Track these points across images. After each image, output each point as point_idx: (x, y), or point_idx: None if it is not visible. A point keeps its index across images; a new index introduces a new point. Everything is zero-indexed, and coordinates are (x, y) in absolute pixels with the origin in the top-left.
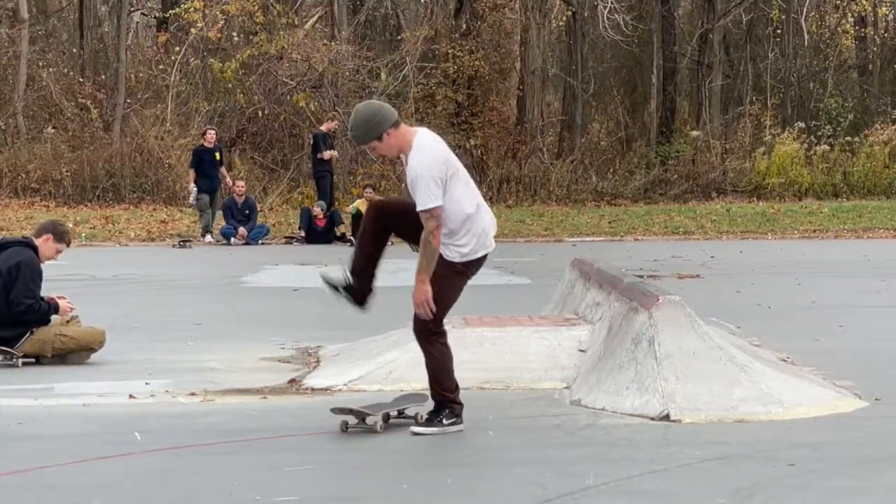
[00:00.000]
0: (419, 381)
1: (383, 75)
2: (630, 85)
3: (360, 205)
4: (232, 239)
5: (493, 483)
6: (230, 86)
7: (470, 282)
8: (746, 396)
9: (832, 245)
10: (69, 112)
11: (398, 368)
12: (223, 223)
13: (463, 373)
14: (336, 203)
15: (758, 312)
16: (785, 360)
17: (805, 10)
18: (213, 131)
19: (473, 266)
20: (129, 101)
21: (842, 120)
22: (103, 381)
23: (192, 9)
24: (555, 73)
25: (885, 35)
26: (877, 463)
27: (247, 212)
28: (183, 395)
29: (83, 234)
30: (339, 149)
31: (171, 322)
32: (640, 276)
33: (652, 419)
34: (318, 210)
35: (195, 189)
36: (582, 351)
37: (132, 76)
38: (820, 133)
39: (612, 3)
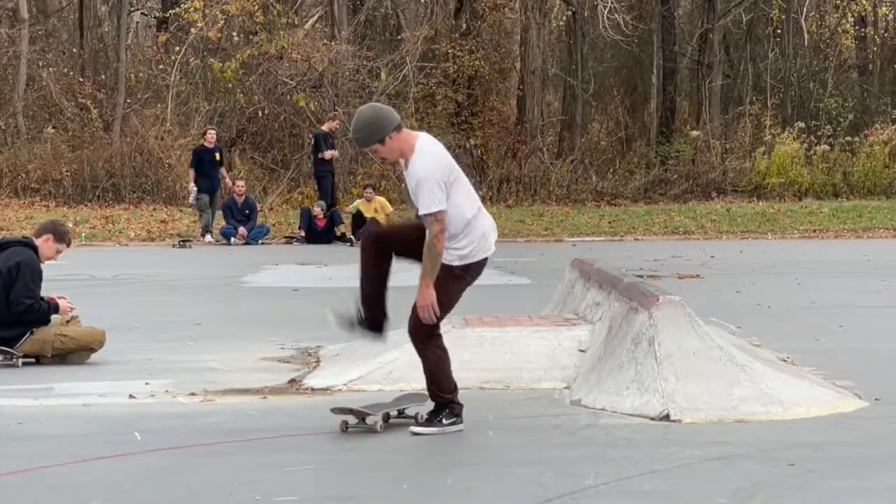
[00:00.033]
0: (419, 381)
1: (383, 75)
2: (630, 85)
3: (361, 205)
4: (232, 239)
5: (493, 483)
6: (230, 86)
7: None
8: (746, 396)
9: (832, 245)
10: (69, 112)
11: (398, 368)
12: (223, 223)
13: (463, 373)
14: (337, 203)
15: (758, 312)
16: (785, 360)
17: (805, 9)
18: (213, 131)
19: (472, 270)
20: (129, 100)
21: (842, 120)
22: (103, 381)
23: (192, 9)
24: (555, 73)
25: (885, 35)
26: (877, 463)
27: (247, 212)
28: (183, 395)
29: (83, 234)
30: (340, 149)
31: (171, 322)
32: (640, 276)
33: (652, 419)
34: (318, 210)
35: (195, 189)
36: (582, 351)
37: (132, 76)
38: (820, 133)
39: (612, 2)
